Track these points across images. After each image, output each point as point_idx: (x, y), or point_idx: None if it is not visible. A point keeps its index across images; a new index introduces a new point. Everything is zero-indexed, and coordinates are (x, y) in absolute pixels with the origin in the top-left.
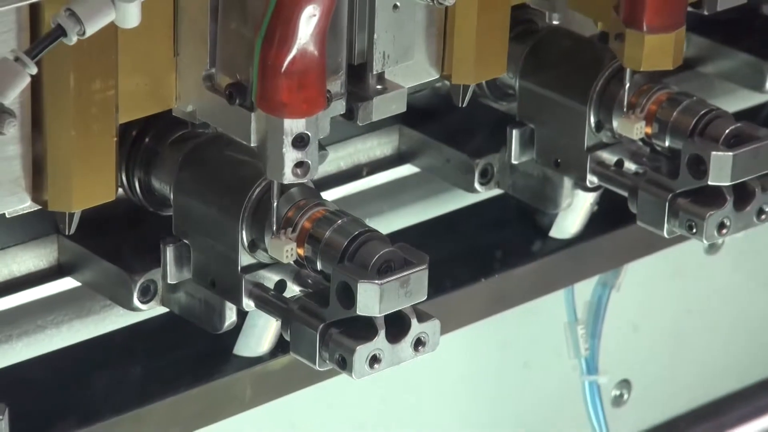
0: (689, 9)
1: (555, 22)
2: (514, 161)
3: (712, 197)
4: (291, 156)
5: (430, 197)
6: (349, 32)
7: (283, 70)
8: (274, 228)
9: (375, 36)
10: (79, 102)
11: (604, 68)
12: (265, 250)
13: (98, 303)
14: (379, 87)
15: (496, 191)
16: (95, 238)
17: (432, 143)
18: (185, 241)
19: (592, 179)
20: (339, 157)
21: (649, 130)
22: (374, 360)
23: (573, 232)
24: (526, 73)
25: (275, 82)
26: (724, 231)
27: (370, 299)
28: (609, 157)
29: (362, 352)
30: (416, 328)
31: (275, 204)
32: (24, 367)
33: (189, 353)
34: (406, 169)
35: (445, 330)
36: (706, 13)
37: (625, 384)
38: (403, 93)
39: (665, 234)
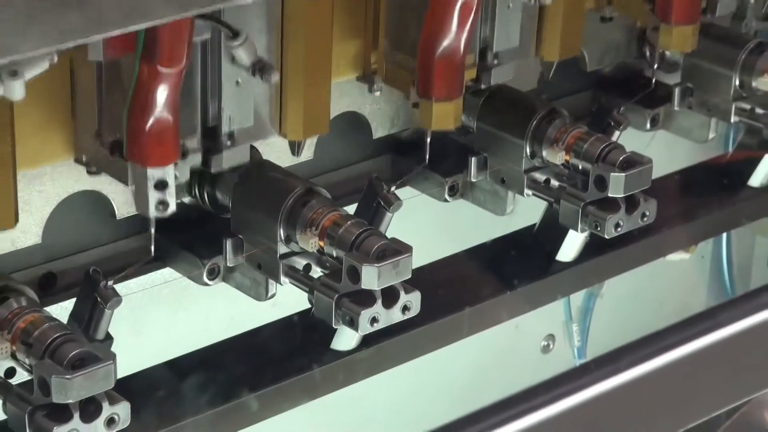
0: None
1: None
2: (472, 179)
3: (611, 205)
4: (154, 196)
5: (462, 229)
6: (203, 101)
7: (144, 132)
8: (303, 227)
9: (222, 105)
10: None
11: (536, 114)
12: (297, 242)
13: None
14: (228, 143)
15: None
16: (178, 234)
17: (414, 167)
18: (240, 236)
19: (527, 192)
20: (348, 177)
21: (568, 158)
22: (374, 320)
23: (571, 258)
24: (481, 117)
25: (139, 141)
26: (619, 229)
27: (371, 277)
28: (540, 176)
29: (365, 314)
30: (403, 297)
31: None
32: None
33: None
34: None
35: (487, 325)
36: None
37: (551, 337)
38: (245, 147)
39: (578, 231)
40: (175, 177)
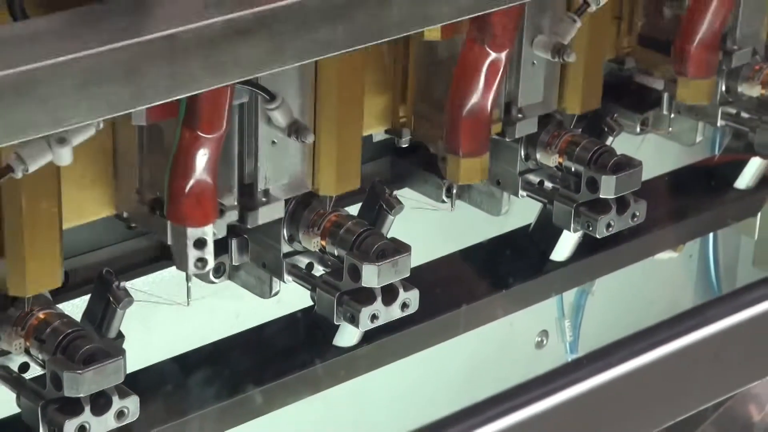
0: None
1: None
2: None
3: (602, 206)
4: (193, 254)
5: (459, 230)
6: (240, 160)
7: (184, 193)
8: (306, 227)
9: (258, 164)
10: (30, 218)
11: None
12: (299, 242)
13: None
14: (264, 199)
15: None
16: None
17: (414, 170)
18: (245, 235)
19: (522, 193)
20: None
21: (561, 160)
22: (374, 317)
23: (565, 257)
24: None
25: (179, 202)
26: (611, 229)
27: (371, 276)
28: (534, 178)
29: (366, 311)
30: (402, 295)
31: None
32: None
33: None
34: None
35: (483, 322)
36: None
37: (544, 333)
38: (280, 204)
39: (570, 231)
40: (213, 234)
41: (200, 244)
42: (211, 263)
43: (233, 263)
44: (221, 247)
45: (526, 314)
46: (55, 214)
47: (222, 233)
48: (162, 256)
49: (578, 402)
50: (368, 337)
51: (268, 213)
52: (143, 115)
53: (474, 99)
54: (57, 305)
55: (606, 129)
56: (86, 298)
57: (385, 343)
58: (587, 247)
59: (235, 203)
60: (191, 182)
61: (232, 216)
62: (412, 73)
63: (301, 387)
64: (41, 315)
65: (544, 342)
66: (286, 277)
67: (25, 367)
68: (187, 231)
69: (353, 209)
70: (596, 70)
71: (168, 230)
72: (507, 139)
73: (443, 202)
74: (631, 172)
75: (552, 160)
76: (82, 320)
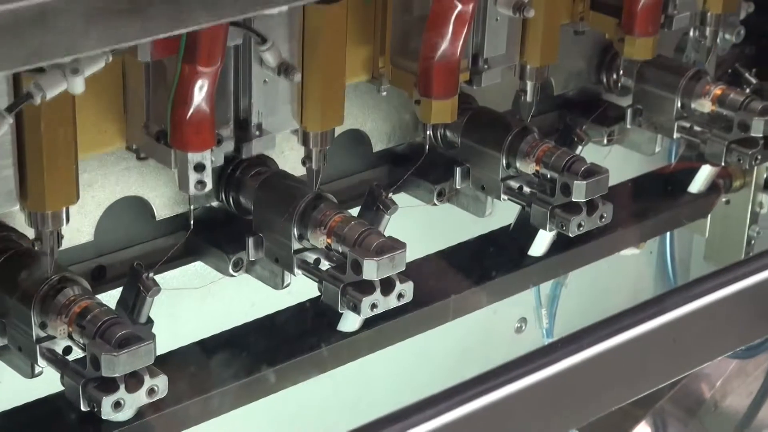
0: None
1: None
2: (457, 186)
3: (574, 208)
4: (194, 176)
5: (448, 229)
6: (236, 97)
7: (185, 122)
8: (313, 227)
9: (252, 100)
10: (48, 141)
11: (511, 131)
12: (308, 240)
13: None
14: (257, 133)
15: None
16: (208, 233)
17: (409, 177)
18: (260, 234)
19: (504, 197)
20: (353, 184)
21: (538, 168)
22: (373, 306)
23: (541, 253)
24: (464, 134)
25: (180, 130)
26: (581, 228)
27: (371, 270)
28: (514, 184)
29: (366, 301)
30: (399, 287)
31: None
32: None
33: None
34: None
35: (470, 310)
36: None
37: (523, 320)
38: (272, 137)
39: (546, 230)
40: (211, 161)
41: (200, 167)
42: (209, 185)
43: (250, 259)
44: (239, 244)
45: (507, 303)
46: (71, 139)
47: (220, 161)
48: (186, 252)
49: (553, 380)
50: (368, 323)
51: (260, 145)
52: (147, 51)
53: (444, 47)
54: (96, 296)
55: (575, 139)
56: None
57: (382, 329)
58: (560, 244)
59: (232, 135)
60: (191, 112)
61: (229, 146)
62: (389, 27)
63: (309, 367)
64: (82, 304)
65: (523, 328)
66: (296, 270)
67: (68, 350)
68: (188, 156)
69: (354, 211)
70: (554, 29)
71: (172, 157)
72: (491, 152)
73: (434, 204)
74: (599, 178)
75: (530, 167)
76: (116, 308)
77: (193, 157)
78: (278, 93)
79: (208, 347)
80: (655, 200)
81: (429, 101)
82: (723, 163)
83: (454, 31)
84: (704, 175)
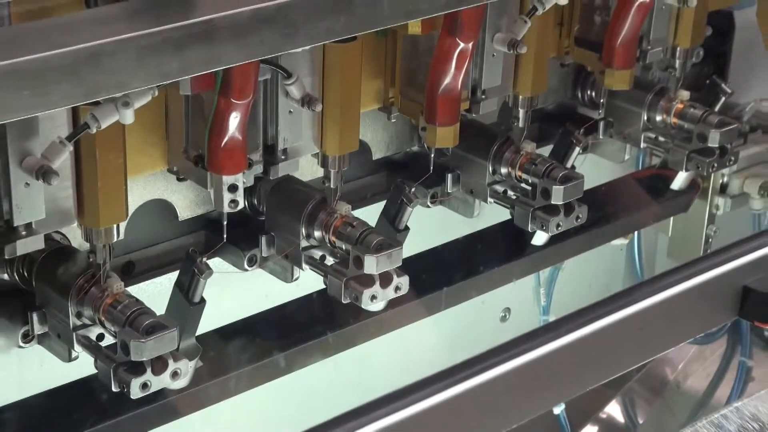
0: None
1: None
2: (449, 191)
3: (553, 210)
4: (227, 196)
5: (440, 228)
6: (264, 125)
7: (220, 148)
8: (320, 226)
9: (278, 128)
10: (102, 166)
11: (496, 141)
12: (315, 238)
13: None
14: (282, 157)
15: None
16: (226, 232)
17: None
18: (272, 233)
19: (490, 200)
20: (355, 188)
21: (520, 174)
22: (373, 297)
23: (542, 243)
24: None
25: (216, 155)
26: (559, 228)
27: (371, 265)
28: (499, 188)
29: (367, 293)
30: (396, 280)
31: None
32: None
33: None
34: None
35: (482, 291)
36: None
37: (507, 310)
38: (296, 160)
39: (528, 229)
40: (243, 182)
41: (233, 188)
42: (241, 204)
43: (263, 255)
44: (253, 242)
45: (515, 285)
46: (121, 163)
47: (250, 182)
48: (206, 249)
49: (536, 363)
50: (369, 313)
51: (286, 167)
52: (188, 86)
53: (447, 80)
54: (126, 288)
55: (574, 141)
56: (148, 282)
57: (381, 318)
58: (555, 237)
59: (260, 159)
60: (226, 140)
61: (258, 168)
62: (399, 63)
63: (315, 352)
64: (114, 296)
65: (507, 317)
66: (304, 265)
67: (101, 337)
68: (222, 178)
69: (356, 212)
70: (543, 63)
71: (208, 179)
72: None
73: (428, 206)
74: (575, 183)
75: (514, 174)
76: (173, 289)
77: (227, 180)
78: (302, 122)
79: (225, 334)
80: (625, 203)
81: (434, 128)
82: (684, 170)
83: (457, 66)
84: (684, 175)
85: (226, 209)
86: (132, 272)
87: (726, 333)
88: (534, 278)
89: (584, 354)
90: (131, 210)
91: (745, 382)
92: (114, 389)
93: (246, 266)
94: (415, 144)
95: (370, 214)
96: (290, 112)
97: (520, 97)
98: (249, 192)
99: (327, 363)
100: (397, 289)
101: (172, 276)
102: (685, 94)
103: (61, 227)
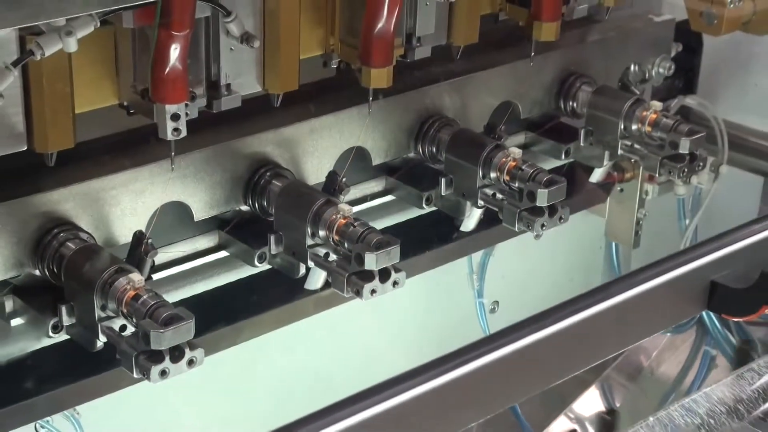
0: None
1: (420, 57)
2: (442, 194)
3: (538, 211)
4: (170, 125)
5: (401, 212)
6: (207, 62)
7: (163, 79)
8: (324, 226)
9: (221, 64)
10: (50, 95)
11: (486, 148)
12: (319, 237)
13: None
14: (225, 92)
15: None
16: (237, 231)
17: (401, 185)
18: (280, 232)
19: (480, 203)
20: (356, 191)
21: (508, 178)
22: (373, 291)
23: (470, 228)
24: (448, 150)
25: (159, 86)
26: (544, 227)
27: (371, 261)
28: (489, 191)
29: (367, 287)
30: (394, 275)
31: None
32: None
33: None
34: (389, 198)
35: (410, 275)
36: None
37: (496, 303)
38: (238, 96)
39: (515, 230)
40: (186, 114)
41: (176, 117)
42: (183, 132)
43: (271, 252)
44: (263, 240)
45: (445, 269)
46: (68, 92)
47: (194, 115)
48: (219, 247)
49: (521, 352)
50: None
51: (228, 102)
52: (130, 19)
53: (380, 23)
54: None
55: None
56: (159, 276)
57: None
58: (485, 224)
59: (204, 93)
60: (167, 70)
61: (202, 102)
62: (338, 12)
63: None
64: (135, 290)
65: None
66: (309, 262)
67: (123, 327)
68: (165, 107)
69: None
70: (475, 14)
71: (154, 110)
72: (469, 165)
73: (423, 208)
74: (558, 186)
75: (502, 178)
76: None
77: (170, 108)
78: (243, 59)
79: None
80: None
81: (369, 69)
82: (658, 174)
83: (389, 10)
84: (600, 170)
85: (170, 137)
86: (151, 268)
87: (695, 324)
88: (467, 262)
89: (567, 344)
90: (150, 211)
91: (709, 369)
92: (135, 376)
93: (256, 263)
94: (411, 151)
95: (370, 214)
96: (231, 49)
97: (453, 46)
98: (258, 194)
99: (286, 356)
100: (395, 283)
101: (188, 271)
102: (657, 105)
103: (13, 151)
